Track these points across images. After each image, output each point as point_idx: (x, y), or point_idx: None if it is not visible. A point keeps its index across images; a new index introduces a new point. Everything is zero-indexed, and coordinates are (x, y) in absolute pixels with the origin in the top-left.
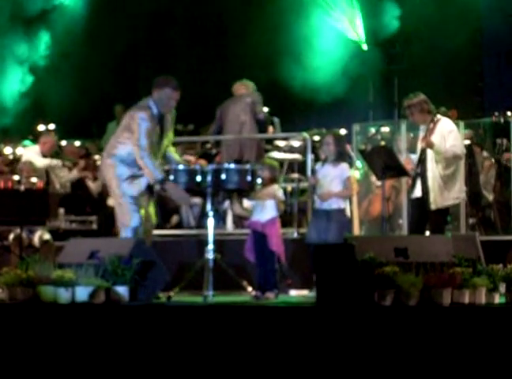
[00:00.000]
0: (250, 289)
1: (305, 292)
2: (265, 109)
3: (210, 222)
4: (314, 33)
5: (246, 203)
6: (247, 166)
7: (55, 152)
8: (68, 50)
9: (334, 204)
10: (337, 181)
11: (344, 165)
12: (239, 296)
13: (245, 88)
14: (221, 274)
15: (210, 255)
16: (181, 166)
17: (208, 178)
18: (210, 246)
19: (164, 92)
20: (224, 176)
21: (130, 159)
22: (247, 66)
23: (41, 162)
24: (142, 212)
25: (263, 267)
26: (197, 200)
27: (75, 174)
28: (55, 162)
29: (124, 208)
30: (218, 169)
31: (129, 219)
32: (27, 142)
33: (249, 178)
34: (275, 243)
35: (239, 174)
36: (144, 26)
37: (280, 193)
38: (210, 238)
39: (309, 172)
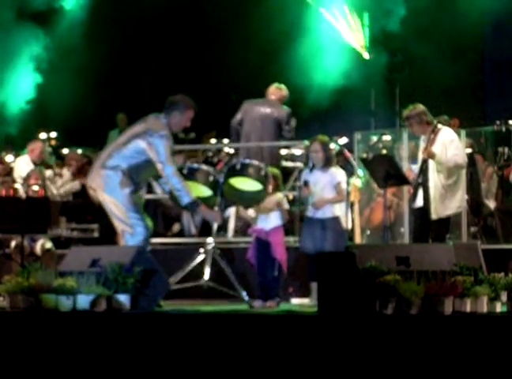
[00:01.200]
0: (244, 293)
1: (306, 300)
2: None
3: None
4: (315, 41)
5: (251, 210)
6: (262, 164)
7: (43, 162)
8: (68, 54)
9: (328, 212)
10: (329, 187)
11: (334, 170)
12: (238, 303)
13: (277, 95)
14: (218, 278)
15: (210, 245)
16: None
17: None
18: (210, 239)
19: (185, 115)
20: (238, 167)
21: (133, 173)
22: (248, 74)
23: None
24: (148, 220)
25: (265, 275)
26: None
27: (72, 185)
28: (47, 172)
29: (129, 221)
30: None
31: (137, 232)
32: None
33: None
34: (279, 252)
35: (254, 169)
36: (145, 33)
37: (285, 202)
38: (214, 230)
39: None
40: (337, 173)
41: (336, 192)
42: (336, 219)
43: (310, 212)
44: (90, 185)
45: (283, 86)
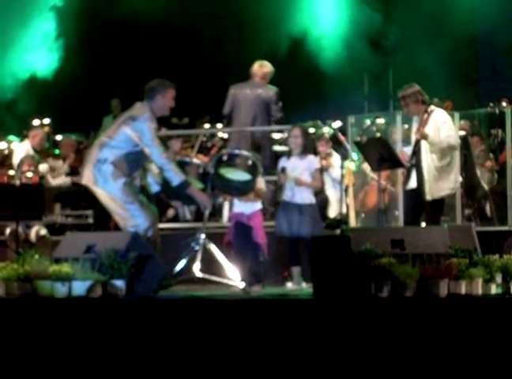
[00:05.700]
0: (238, 280)
1: (302, 285)
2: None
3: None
4: (308, 22)
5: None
6: (249, 154)
7: (43, 149)
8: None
9: (307, 198)
10: (306, 174)
11: (311, 157)
12: (228, 289)
13: (261, 73)
14: (211, 266)
15: (202, 238)
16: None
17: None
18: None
19: (168, 96)
20: (225, 158)
21: (124, 164)
22: (242, 57)
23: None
24: (152, 207)
25: (246, 260)
26: None
27: (65, 180)
28: (43, 167)
29: (127, 213)
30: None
31: (139, 223)
32: (11, 137)
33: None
34: (260, 235)
35: (241, 160)
36: (140, 19)
37: (261, 181)
38: (205, 217)
39: None
40: (315, 160)
41: (312, 178)
42: (313, 206)
43: (287, 197)
44: (82, 182)
45: (265, 62)
